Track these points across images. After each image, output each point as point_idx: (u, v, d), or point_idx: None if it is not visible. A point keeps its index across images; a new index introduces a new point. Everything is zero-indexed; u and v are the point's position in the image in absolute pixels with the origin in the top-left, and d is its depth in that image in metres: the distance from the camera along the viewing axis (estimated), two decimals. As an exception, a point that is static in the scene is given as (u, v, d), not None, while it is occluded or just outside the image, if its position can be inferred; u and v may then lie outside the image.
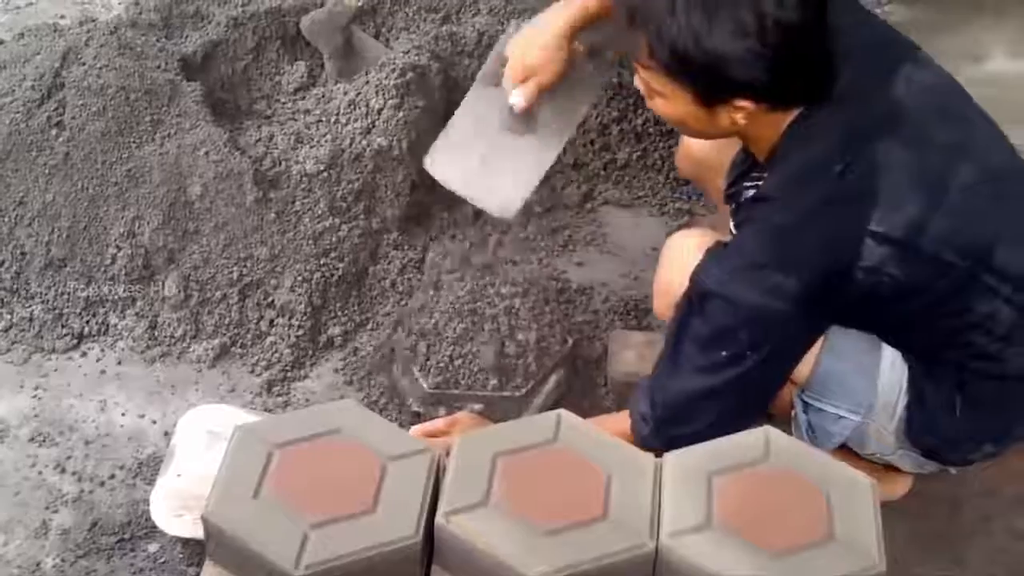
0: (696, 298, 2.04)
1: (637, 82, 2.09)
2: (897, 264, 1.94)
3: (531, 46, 2.40)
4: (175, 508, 2.34)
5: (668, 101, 2.03)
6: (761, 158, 2.09)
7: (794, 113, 1.99)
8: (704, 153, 2.46)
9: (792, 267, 1.95)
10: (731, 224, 2.17)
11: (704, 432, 1.93)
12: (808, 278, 1.94)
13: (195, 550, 2.38)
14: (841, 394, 2.12)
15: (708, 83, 1.95)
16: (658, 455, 1.85)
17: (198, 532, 2.22)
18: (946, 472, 2.28)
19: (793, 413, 2.19)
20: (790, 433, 2.09)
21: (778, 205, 2.00)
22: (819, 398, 2.14)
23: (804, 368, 2.11)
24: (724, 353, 2.01)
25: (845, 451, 2.21)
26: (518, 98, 2.40)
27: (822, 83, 1.96)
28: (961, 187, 1.97)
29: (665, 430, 2.09)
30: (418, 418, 2.64)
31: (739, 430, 1.87)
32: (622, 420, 2.17)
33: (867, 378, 2.11)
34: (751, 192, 2.13)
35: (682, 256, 2.14)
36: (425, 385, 2.60)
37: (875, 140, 1.96)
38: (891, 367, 2.12)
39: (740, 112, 1.97)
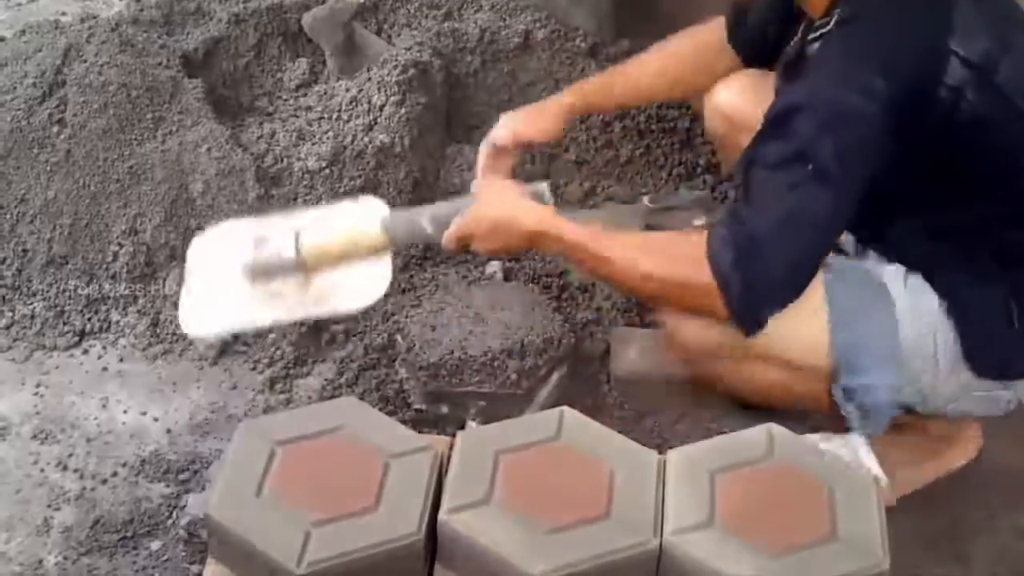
0: (777, 119, 1.95)
1: None
2: (975, 91, 1.90)
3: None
4: (202, 310, 2.29)
5: None
6: (819, 10, 2.05)
7: None
8: (735, 108, 2.43)
9: (882, 67, 1.89)
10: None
11: (789, 279, 1.90)
12: (897, 82, 1.89)
13: (197, 548, 2.38)
14: (870, 363, 2.05)
15: None
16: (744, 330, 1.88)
17: (232, 325, 2.29)
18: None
19: (842, 412, 2.12)
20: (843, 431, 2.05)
21: (861, 20, 1.95)
22: (852, 379, 2.06)
23: (825, 359, 2.04)
24: (809, 167, 1.89)
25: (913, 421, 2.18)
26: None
27: None
28: (1022, 49, 1.97)
29: (753, 283, 1.92)
30: (420, 415, 2.64)
31: (813, 273, 1.88)
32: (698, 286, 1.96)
33: (888, 334, 2.06)
34: (818, 37, 2.05)
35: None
36: (427, 383, 2.60)
37: None
38: (911, 311, 2.05)
39: None
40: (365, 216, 2.31)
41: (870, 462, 2.19)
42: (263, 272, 2.23)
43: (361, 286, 2.25)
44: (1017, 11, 2.07)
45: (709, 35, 2.48)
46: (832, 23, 2.00)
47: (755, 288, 1.92)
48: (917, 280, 2.09)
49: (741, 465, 1.79)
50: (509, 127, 2.42)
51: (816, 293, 2.03)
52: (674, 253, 1.99)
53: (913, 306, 2.07)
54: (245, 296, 2.23)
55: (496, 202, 2.16)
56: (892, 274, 2.10)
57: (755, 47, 2.38)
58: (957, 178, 1.99)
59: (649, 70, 2.52)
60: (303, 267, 2.22)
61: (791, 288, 1.95)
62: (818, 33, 2.05)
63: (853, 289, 2.07)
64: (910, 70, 1.91)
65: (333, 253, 2.24)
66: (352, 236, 2.26)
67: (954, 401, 2.14)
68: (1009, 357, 2.11)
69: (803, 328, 2.04)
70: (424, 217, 2.26)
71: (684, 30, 2.55)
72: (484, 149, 2.43)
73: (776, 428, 1.87)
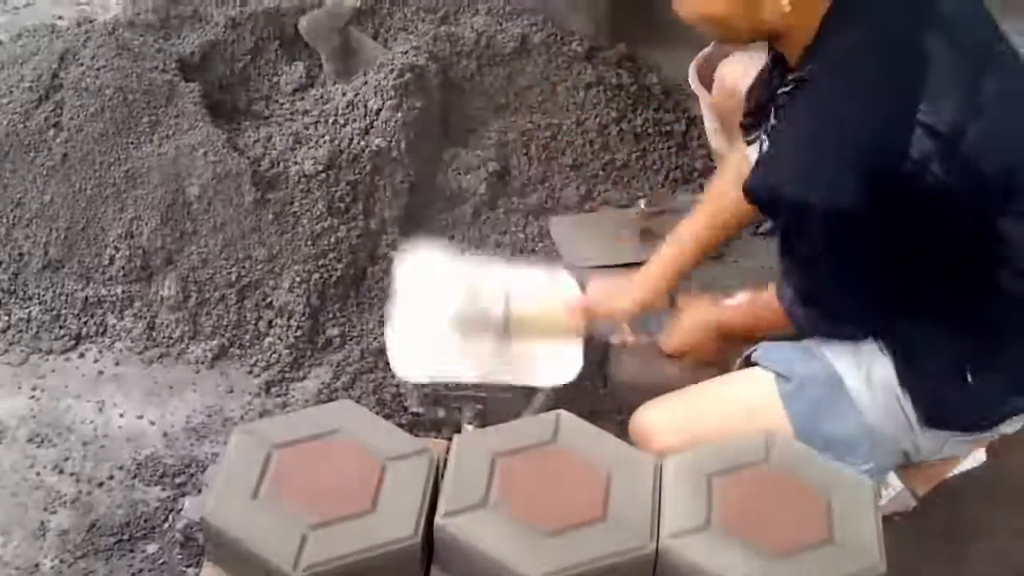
0: (767, 202, 1.99)
1: None
2: (940, 161, 1.86)
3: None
4: (413, 356, 2.39)
5: None
6: (794, 59, 2.02)
7: (828, 2, 1.94)
8: (737, 81, 2.44)
9: (847, 158, 1.87)
10: (756, 149, 2.13)
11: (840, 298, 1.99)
12: (862, 168, 1.86)
13: (193, 552, 2.38)
14: (845, 454, 2.03)
15: None
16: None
17: (441, 374, 2.40)
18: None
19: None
20: None
21: (826, 89, 1.93)
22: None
23: None
24: (806, 245, 1.97)
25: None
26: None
27: None
28: (993, 95, 1.92)
29: (811, 312, 2.06)
30: (417, 418, 2.64)
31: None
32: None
33: (853, 425, 2.05)
34: (791, 89, 2.03)
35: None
36: (423, 386, 2.59)
37: (919, 31, 1.91)
38: (869, 392, 2.05)
39: None
40: (566, 290, 2.49)
41: (891, 476, 2.21)
42: (470, 327, 2.37)
43: (555, 364, 2.40)
44: (995, 45, 2.02)
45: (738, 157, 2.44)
46: (803, 76, 1.98)
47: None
48: (869, 347, 2.07)
49: (738, 468, 1.79)
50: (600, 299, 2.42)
51: (770, 396, 2.08)
52: (775, 311, 2.11)
53: (870, 387, 2.06)
54: (450, 347, 2.37)
55: (689, 315, 2.29)
56: (845, 361, 2.07)
57: None
58: (921, 245, 1.96)
59: (721, 209, 2.43)
60: (507, 330, 2.38)
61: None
62: (790, 86, 2.02)
63: (809, 394, 2.07)
64: (875, 152, 1.88)
65: (536, 326, 2.40)
66: (556, 315, 2.41)
67: (939, 452, 2.15)
68: (972, 412, 2.09)
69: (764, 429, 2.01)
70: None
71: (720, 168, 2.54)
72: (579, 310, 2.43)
73: (773, 432, 1.87)
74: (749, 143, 2.18)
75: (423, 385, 2.50)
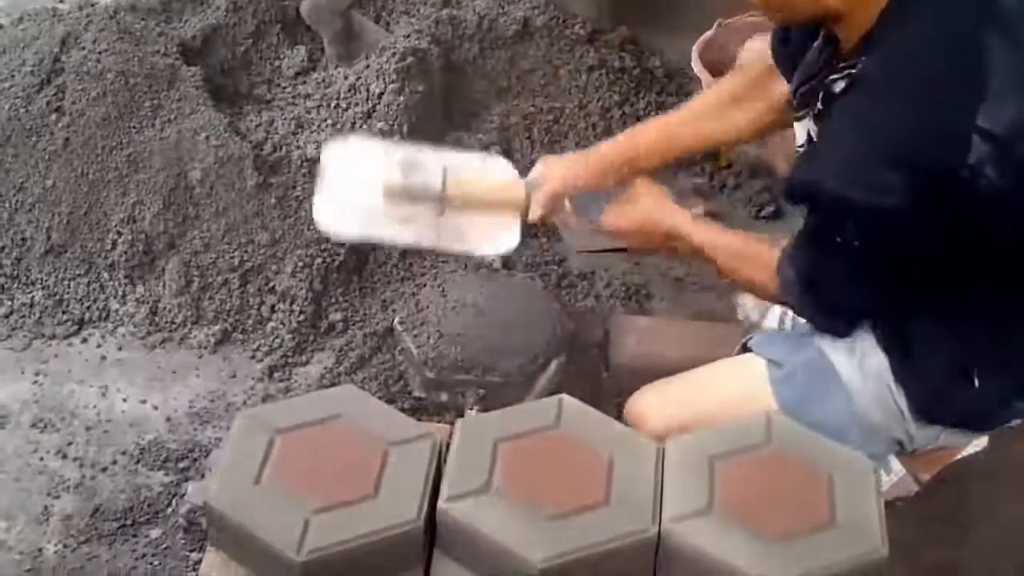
0: (806, 196, 1.95)
1: None
2: (994, 164, 1.81)
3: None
4: (339, 210, 2.31)
5: None
6: (849, 44, 1.96)
7: None
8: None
9: (896, 160, 1.83)
10: (804, 127, 2.09)
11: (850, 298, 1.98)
12: (916, 173, 1.82)
13: (197, 536, 2.38)
14: (833, 439, 1.97)
15: None
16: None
17: (367, 231, 2.30)
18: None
19: None
20: None
21: (880, 91, 1.88)
22: None
23: None
24: (838, 239, 1.91)
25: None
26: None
27: None
28: None
29: (808, 297, 2.03)
30: (419, 403, 2.64)
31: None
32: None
33: (841, 410, 2.04)
34: (842, 83, 1.97)
35: None
36: (426, 371, 2.60)
37: (981, 29, 1.86)
38: (860, 378, 2.04)
39: None
40: (505, 174, 2.36)
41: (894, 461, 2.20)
42: (405, 195, 2.26)
43: (493, 235, 2.29)
44: None
45: (758, 63, 2.39)
46: (856, 72, 1.92)
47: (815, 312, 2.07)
48: (865, 338, 2.06)
49: (740, 452, 1.79)
50: (557, 174, 2.32)
51: (760, 382, 2.08)
52: (757, 268, 2.08)
53: (863, 375, 2.04)
54: (380, 211, 2.26)
55: (643, 202, 2.23)
56: (839, 349, 2.07)
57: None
58: (960, 247, 1.92)
59: (705, 112, 2.37)
60: (443, 201, 2.26)
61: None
62: (843, 74, 1.96)
63: (799, 380, 2.07)
64: (930, 159, 1.83)
65: (474, 197, 2.29)
66: (498, 188, 2.31)
67: (934, 442, 2.13)
68: (971, 411, 2.08)
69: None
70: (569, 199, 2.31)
71: (732, 72, 2.45)
72: (540, 197, 2.30)
73: (775, 414, 1.87)
74: (797, 119, 2.16)
75: (353, 245, 2.43)
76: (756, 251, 2.09)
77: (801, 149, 2.10)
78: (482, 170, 2.38)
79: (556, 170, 2.29)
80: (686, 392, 2.15)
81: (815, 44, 2.07)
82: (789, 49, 2.20)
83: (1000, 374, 2.02)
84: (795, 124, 2.15)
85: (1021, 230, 1.90)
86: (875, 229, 1.87)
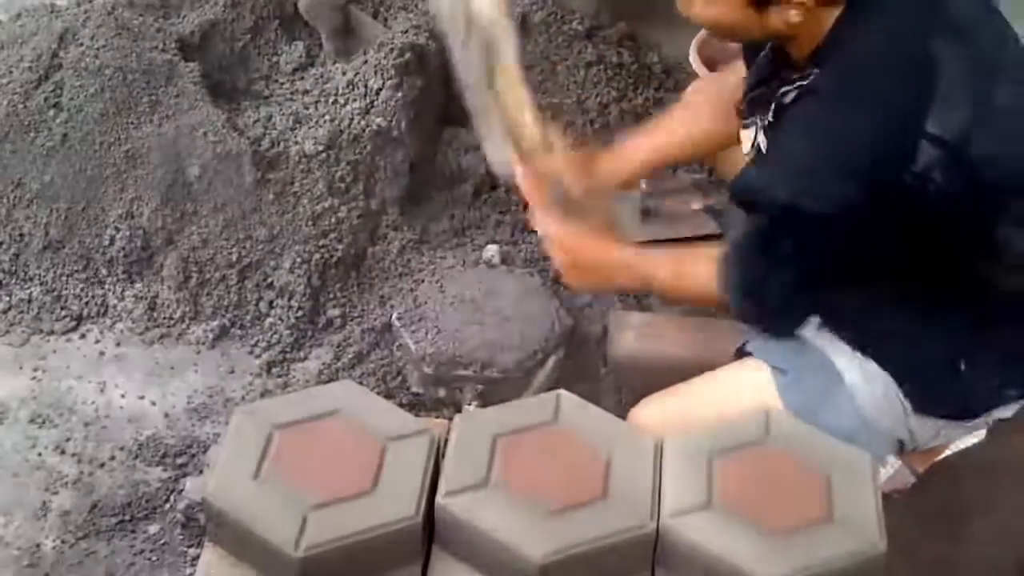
0: (751, 203, 1.97)
1: None
2: (943, 170, 1.84)
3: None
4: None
5: (711, 4, 1.94)
6: (801, 57, 1.99)
7: (841, 6, 1.92)
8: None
9: (850, 170, 1.85)
10: (751, 135, 2.10)
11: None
12: (864, 181, 1.85)
13: (195, 532, 2.38)
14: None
15: None
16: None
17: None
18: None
19: None
20: None
21: (832, 102, 1.90)
22: None
23: None
24: (782, 245, 1.94)
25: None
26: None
27: None
28: (1003, 102, 1.90)
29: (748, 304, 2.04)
30: (418, 398, 2.64)
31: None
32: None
33: (847, 413, 2.05)
34: (792, 94, 2.00)
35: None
36: (424, 367, 2.60)
37: (930, 36, 1.88)
38: (863, 379, 2.05)
39: (796, 9, 1.89)
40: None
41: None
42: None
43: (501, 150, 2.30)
44: (1007, 51, 1.99)
45: (728, 75, 2.41)
46: (808, 83, 1.95)
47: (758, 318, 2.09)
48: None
49: (738, 448, 1.79)
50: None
51: (767, 388, 2.08)
52: (697, 280, 2.09)
53: (866, 378, 2.06)
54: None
55: (588, 232, 2.23)
56: (841, 352, 2.08)
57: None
58: (915, 248, 1.94)
59: (679, 123, 2.45)
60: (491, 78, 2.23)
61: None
62: (795, 85, 1.99)
63: (806, 385, 2.07)
64: (877, 165, 1.86)
65: (508, 105, 2.27)
66: (529, 120, 2.29)
67: (935, 439, 2.15)
68: (961, 398, 2.09)
69: None
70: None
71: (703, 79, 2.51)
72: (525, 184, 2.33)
73: (773, 411, 1.87)
74: (745, 126, 2.17)
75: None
76: (693, 267, 2.10)
77: (747, 157, 2.11)
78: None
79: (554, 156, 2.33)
80: (689, 404, 2.14)
81: (763, 54, 2.11)
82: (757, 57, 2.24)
83: (985, 361, 2.04)
84: (741, 132, 2.17)
85: (974, 231, 1.93)
86: (820, 237, 1.90)
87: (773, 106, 2.03)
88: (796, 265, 1.94)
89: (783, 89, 2.01)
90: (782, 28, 1.94)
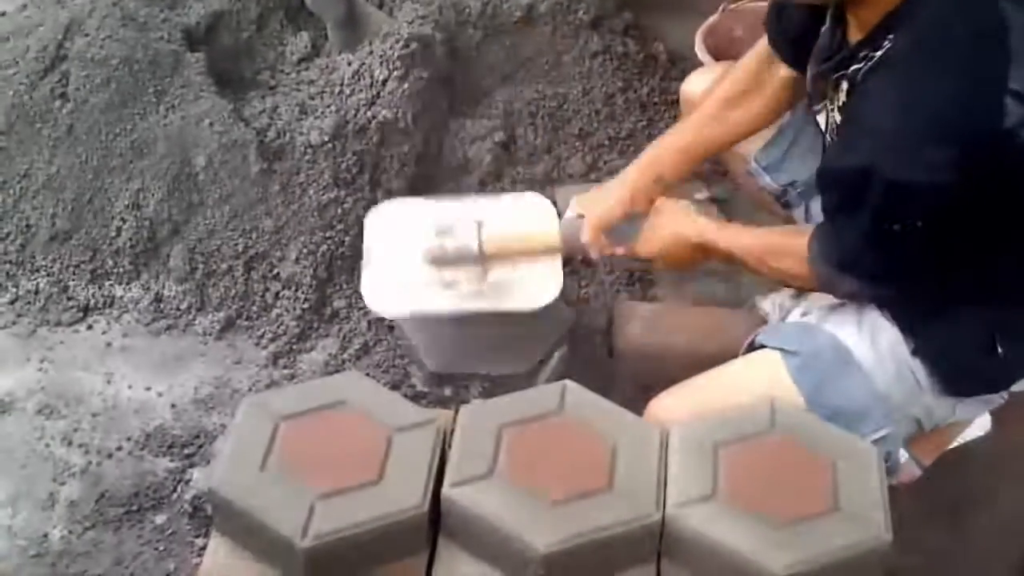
0: (848, 184, 1.94)
1: None
2: None
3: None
4: (387, 290, 2.39)
5: None
6: (868, 25, 1.97)
7: None
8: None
9: (940, 134, 1.84)
10: (823, 119, 2.11)
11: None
12: (958, 144, 1.83)
13: (202, 522, 2.39)
14: (856, 422, 2.04)
15: None
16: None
17: (417, 307, 2.38)
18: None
19: None
20: None
21: (916, 68, 1.88)
22: None
23: None
24: (896, 226, 1.91)
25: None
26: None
27: None
28: None
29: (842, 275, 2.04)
30: (423, 396, 2.64)
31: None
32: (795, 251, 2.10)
33: (864, 393, 2.06)
34: (866, 68, 1.97)
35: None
36: (429, 364, 2.60)
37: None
38: (877, 360, 2.05)
39: None
40: (539, 214, 2.47)
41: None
42: (445, 260, 2.37)
43: (535, 286, 2.38)
44: None
45: (753, 56, 2.39)
46: (882, 53, 1.92)
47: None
48: (871, 316, 2.08)
49: (744, 438, 1.79)
50: (594, 210, 2.42)
51: (780, 373, 2.08)
52: (789, 261, 2.11)
53: (877, 353, 2.06)
54: (425, 280, 2.37)
55: (668, 222, 2.30)
56: (848, 331, 2.09)
57: (797, 47, 2.25)
58: (999, 214, 1.93)
59: (706, 120, 2.43)
60: (482, 259, 2.37)
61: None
62: (865, 61, 1.97)
63: (817, 366, 2.07)
64: (972, 130, 1.84)
65: (512, 249, 2.39)
66: (530, 235, 2.41)
67: (951, 416, 2.15)
68: (995, 377, 2.11)
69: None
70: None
71: (731, 65, 2.48)
72: (586, 235, 2.40)
73: (778, 401, 1.87)
74: (815, 112, 2.16)
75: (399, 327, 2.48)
76: (783, 245, 2.13)
77: (828, 139, 2.10)
78: (515, 212, 2.47)
79: (592, 206, 2.40)
80: (704, 396, 2.13)
81: (824, 29, 2.08)
82: (784, 27, 2.22)
83: (1021, 337, 2.04)
84: (817, 116, 2.16)
85: None
86: (935, 207, 1.87)
87: (846, 85, 2.01)
88: (910, 243, 1.91)
89: (854, 66, 1.98)
90: None
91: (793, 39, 2.23)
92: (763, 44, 2.34)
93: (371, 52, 3.04)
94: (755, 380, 2.10)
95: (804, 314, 2.25)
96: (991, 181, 1.86)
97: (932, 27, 1.88)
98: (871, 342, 2.06)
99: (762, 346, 2.14)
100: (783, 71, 2.33)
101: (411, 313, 2.41)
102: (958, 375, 2.07)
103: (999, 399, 2.17)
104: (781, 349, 2.10)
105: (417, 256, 2.39)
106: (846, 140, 2.01)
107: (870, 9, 1.95)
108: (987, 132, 1.84)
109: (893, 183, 1.86)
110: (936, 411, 2.11)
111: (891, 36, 1.91)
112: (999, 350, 2.04)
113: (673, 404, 2.14)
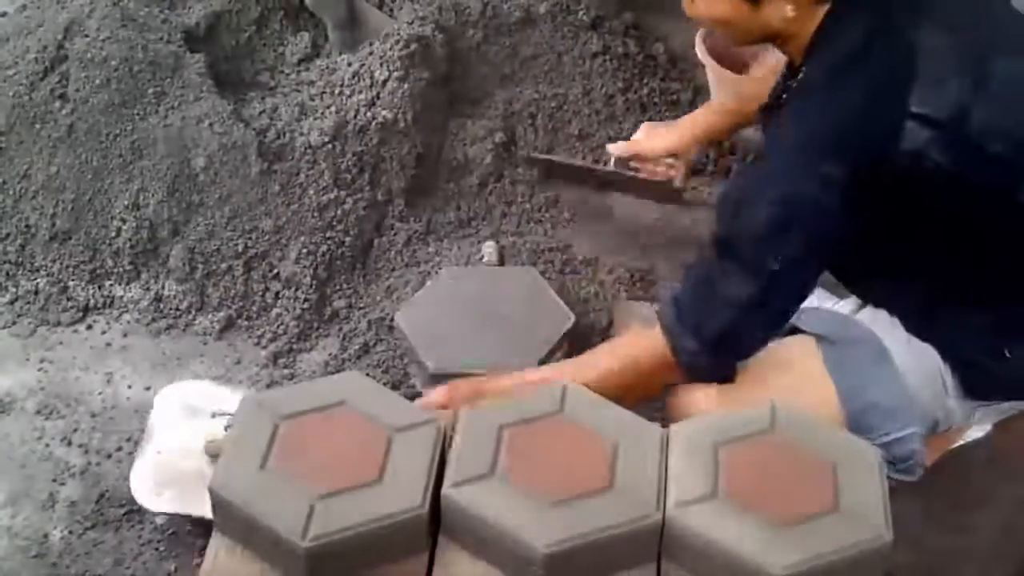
0: (734, 209, 1.99)
1: None
2: (941, 149, 1.86)
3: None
4: (157, 485, 2.33)
5: (713, 1, 2.00)
6: (797, 60, 2.05)
7: (827, 3, 1.97)
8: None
9: (834, 151, 1.88)
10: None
11: (754, 345, 2.01)
12: (850, 162, 1.87)
13: (202, 522, 2.39)
14: (885, 420, 2.07)
15: None
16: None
17: (182, 507, 2.25)
18: None
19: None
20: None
21: (816, 91, 1.96)
22: (874, 436, 2.05)
23: (837, 422, 2.07)
24: (776, 256, 1.94)
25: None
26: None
27: None
28: (1002, 77, 1.92)
29: (715, 351, 2.04)
30: (423, 394, 2.63)
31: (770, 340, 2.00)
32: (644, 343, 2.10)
33: (896, 391, 2.08)
34: (787, 95, 2.09)
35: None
36: (429, 365, 2.60)
37: (912, 23, 1.92)
38: (912, 359, 2.08)
39: (791, 4, 1.94)
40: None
41: None
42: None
43: None
44: (1004, 25, 2.02)
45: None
46: (797, 82, 2.02)
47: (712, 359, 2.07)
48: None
49: (744, 438, 1.79)
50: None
51: (815, 362, 2.09)
52: (655, 373, 2.11)
53: (912, 353, 2.09)
54: (200, 476, 2.23)
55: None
56: (886, 329, 2.11)
57: None
58: (934, 232, 1.97)
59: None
60: None
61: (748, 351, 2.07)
62: (790, 84, 2.08)
63: (854, 360, 2.09)
64: (862, 148, 1.88)
65: None
66: None
67: (969, 419, 2.18)
68: (1010, 382, 2.13)
69: (811, 397, 2.07)
70: None
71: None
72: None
73: (778, 402, 1.87)
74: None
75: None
76: (635, 360, 2.10)
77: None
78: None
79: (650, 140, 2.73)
80: (740, 384, 2.13)
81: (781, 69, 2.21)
82: None
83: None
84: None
85: (998, 205, 1.95)
86: (821, 231, 1.92)
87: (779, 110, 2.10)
88: (801, 270, 1.97)
89: (785, 97, 2.09)
90: (778, 25, 1.99)
91: None
92: None
93: (371, 53, 3.04)
94: (790, 371, 2.10)
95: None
96: (896, 202, 1.90)
97: (835, 54, 1.94)
98: (907, 341, 2.09)
99: (797, 330, 2.14)
100: None
101: (173, 511, 2.33)
102: (974, 381, 2.10)
103: (1013, 408, 2.19)
104: (817, 336, 2.11)
105: (198, 447, 2.31)
106: (748, 166, 2.08)
107: (792, 43, 2.03)
108: (880, 152, 1.87)
109: (783, 200, 1.91)
110: (956, 414, 2.13)
111: (805, 67, 2.00)
112: (1007, 354, 2.06)
113: (702, 396, 2.13)
